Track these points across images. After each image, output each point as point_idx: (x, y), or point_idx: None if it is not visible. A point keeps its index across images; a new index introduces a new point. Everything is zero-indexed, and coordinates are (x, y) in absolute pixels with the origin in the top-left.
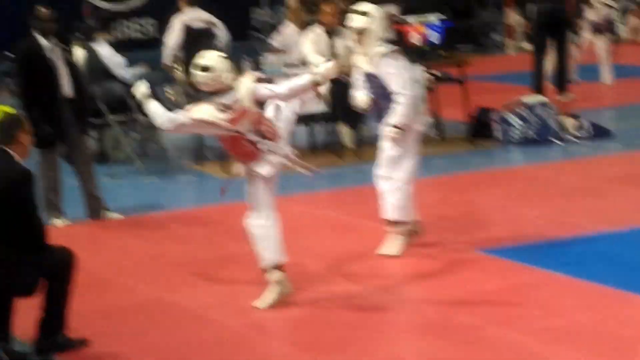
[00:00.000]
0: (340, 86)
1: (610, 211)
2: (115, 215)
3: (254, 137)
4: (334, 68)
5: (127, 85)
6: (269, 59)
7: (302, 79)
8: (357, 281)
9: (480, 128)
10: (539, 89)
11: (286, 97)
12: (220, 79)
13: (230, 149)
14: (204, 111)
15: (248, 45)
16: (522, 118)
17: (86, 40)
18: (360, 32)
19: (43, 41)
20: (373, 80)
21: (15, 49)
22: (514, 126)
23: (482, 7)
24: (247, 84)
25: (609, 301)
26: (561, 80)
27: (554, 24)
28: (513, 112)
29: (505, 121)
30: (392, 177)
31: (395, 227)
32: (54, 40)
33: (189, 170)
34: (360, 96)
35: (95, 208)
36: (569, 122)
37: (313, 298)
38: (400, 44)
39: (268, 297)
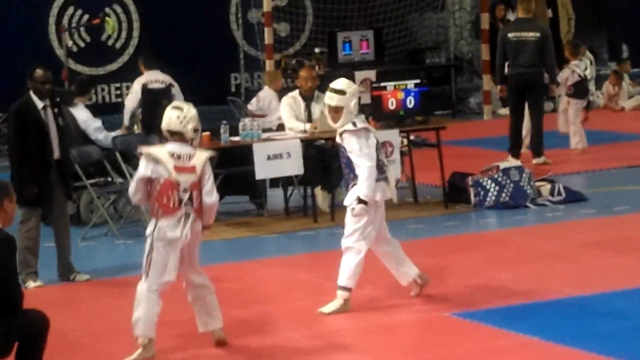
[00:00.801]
0: (316, 150)
1: (584, 276)
2: (84, 277)
3: (184, 196)
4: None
5: (104, 149)
6: (246, 123)
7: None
8: (330, 344)
9: (455, 192)
10: (515, 153)
11: (207, 202)
12: (185, 124)
13: (157, 197)
14: (157, 149)
15: (226, 110)
16: (496, 182)
17: (65, 104)
18: (335, 110)
19: (37, 102)
20: (342, 151)
21: (9, 108)
22: (488, 190)
23: (459, 73)
24: (205, 155)
25: None
26: (536, 144)
27: (526, 88)
28: (488, 176)
29: (480, 185)
30: (353, 247)
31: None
32: (47, 102)
33: None
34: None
35: (64, 271)
36: (544, 187)
37: None
38: (377, 110)
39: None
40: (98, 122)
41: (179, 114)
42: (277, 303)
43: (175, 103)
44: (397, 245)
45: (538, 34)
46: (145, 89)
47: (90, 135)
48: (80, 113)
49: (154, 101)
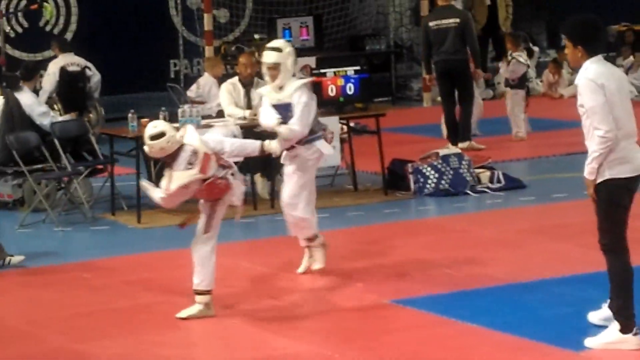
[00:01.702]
0: (255, 136)
1: (522, 262)
2: (18, 259)
3: (221, 173)
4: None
5: (45, 134)
6: (186, 110)
7: (251, 145)
8: (268, 331)
9: (395, 180)
10: (453, 140)
11: (229, 155)
12: (175, 140)
13: (208, 194)
14: (178, 178)
15: (165, 96)
16: (436, 170)
17: (10, 88)
18: (274, 67)
19: None
20: (281, 112)
21: None
22: (428, 177)
23: (399, 60)
24: (195, 135)
25: (521, 352)
26: (463, 129)
27: (452, 74)
28: (428, 163)
29: (419, 172)
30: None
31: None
32: None
33: (103, 220)
34: (270, 116)
35: None
36: (483, 174)
37: (224, 346)
38: (317, 97)
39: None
40: (43, 107)
41: (167, 139)
42: (216, 290)
43: (150, 133)
44: None
45: (458, 20)
46: (63, 72)
47: (35, 120)
48: (26, 98)
49: (71, 83)
